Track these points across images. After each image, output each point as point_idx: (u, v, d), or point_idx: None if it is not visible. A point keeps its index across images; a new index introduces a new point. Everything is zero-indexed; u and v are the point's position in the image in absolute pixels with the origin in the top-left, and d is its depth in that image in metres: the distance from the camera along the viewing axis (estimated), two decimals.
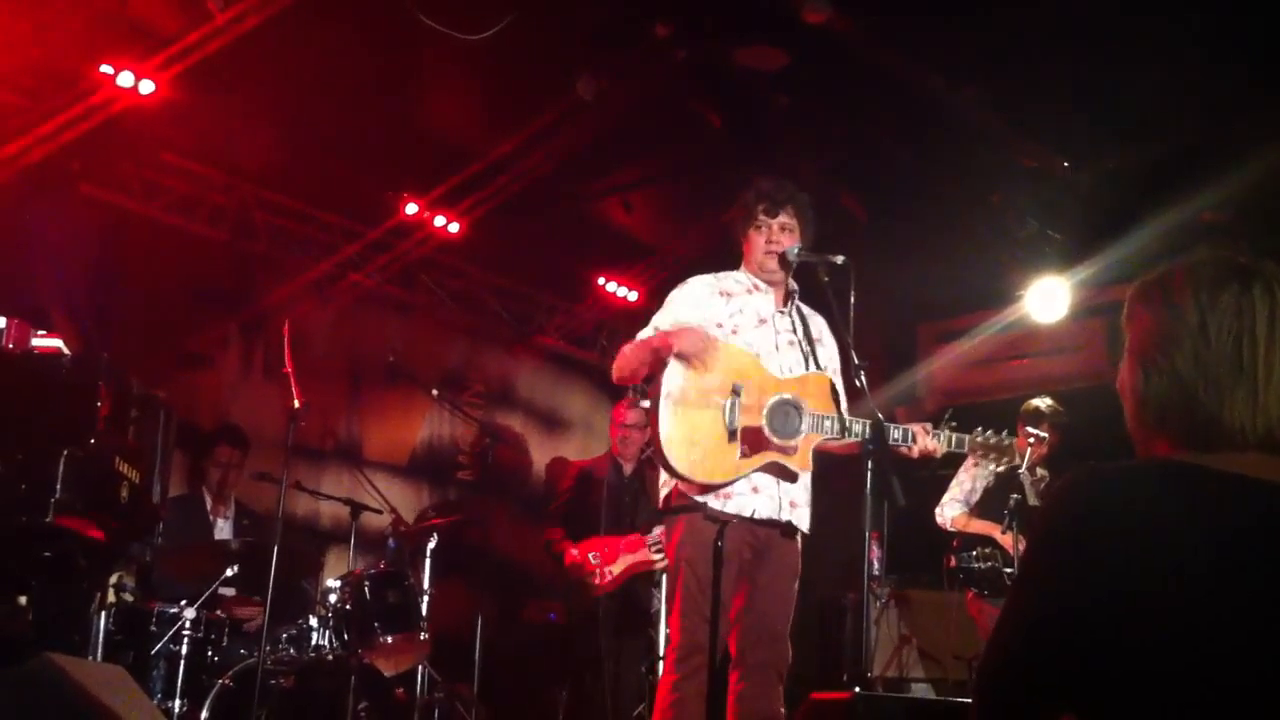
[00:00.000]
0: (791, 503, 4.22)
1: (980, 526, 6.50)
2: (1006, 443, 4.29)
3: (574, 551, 6.53)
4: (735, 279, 4.42)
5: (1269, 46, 5.72)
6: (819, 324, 4.47)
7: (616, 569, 6.60)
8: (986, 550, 6.37)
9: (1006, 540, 6.24)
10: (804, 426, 4.13)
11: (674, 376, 4.10)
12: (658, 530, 6.27)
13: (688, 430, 4.08)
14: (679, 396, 4.09)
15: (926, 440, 4.16)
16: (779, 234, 4.33)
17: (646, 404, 4.20)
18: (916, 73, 6.34)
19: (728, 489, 4.12)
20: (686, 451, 4.06)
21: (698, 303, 4.32)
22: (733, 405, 4.08)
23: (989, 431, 4.29)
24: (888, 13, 5.93)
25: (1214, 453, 1.72)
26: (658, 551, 6.39)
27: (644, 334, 4.28)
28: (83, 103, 6.28)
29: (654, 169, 7.86)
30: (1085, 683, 1.65)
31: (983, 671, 1.80)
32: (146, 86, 6.25)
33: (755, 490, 4.15)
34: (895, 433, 4.11)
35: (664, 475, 4.25)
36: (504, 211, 7.72)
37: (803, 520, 4.27)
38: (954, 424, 4.26)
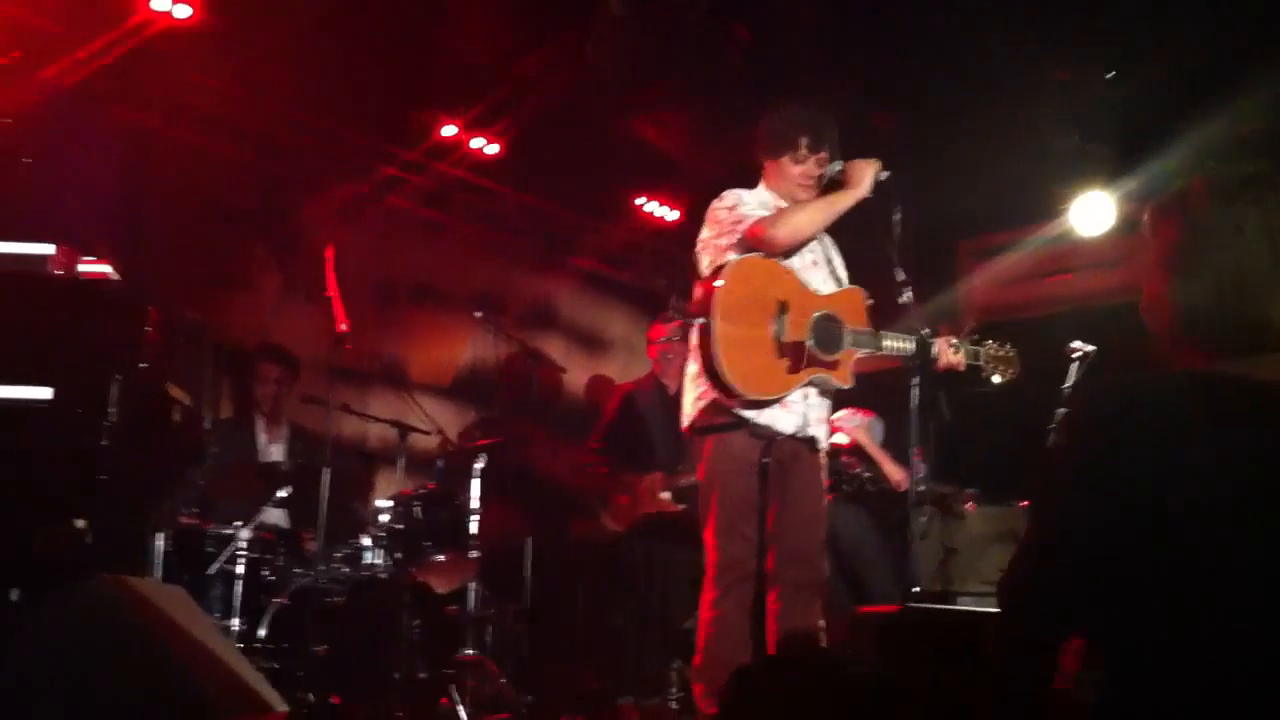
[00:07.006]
0: (819, 419, 4.25)
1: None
2: (1010, 354, 4.47)
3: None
4: (767, 199, 4.37)
5: None
6: (830, 243, 4.47)
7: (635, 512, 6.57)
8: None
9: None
10: (845, 342, 4.16)
11: (723, 295, 4.06)
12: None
13: (740, 346, 4.06)
14: (729, 314, 4.06)
15: (949, 356, 4.25)
16: (817, 169, 4.30)
17: (699, 321, 4.16)
18: None
19: (757, 408, 4.11)
20: (740, 366, 4.04)
21: (761, 204, 4.29)
22: (781, 321, 4.07)
23: (1007, 344, 4.48)
24: None
25: (1253, 355, 1.71)
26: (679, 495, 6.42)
27: (745, 221, 4.17)
28: (118, 27, 6.24)
29: (685, 85, 7.74)
30: (1109, 592, 1.64)
31: (1007, 583, 1.79)
32: (182, 10, 6.22)
33: (784, 406, 4.15)
34: None
35: (690, 398, 4.24)
36: (538, 129, 7.66)
37: (824, 436, 4.29)
38: (976, 336, 4.32)
